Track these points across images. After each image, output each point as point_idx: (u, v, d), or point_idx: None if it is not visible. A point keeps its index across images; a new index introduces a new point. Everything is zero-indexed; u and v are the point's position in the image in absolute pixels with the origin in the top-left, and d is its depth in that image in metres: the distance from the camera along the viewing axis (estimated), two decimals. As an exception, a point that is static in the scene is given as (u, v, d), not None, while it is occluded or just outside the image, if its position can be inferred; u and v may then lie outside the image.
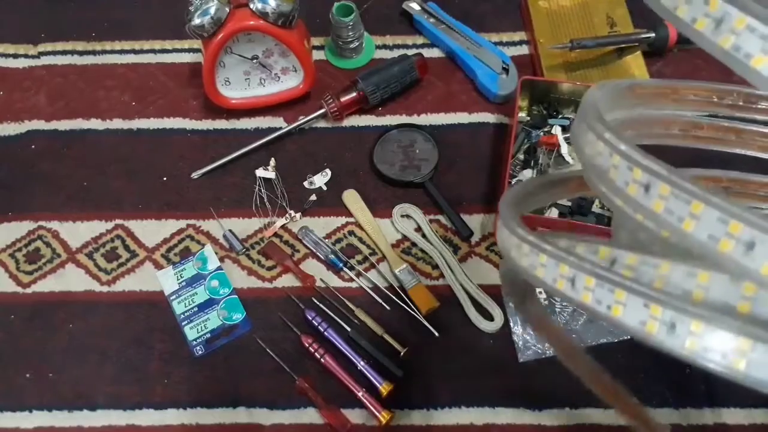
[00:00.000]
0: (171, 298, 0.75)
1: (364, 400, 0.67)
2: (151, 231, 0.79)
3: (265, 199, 0.80)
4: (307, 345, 0.70)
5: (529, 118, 0.81)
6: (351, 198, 0.79)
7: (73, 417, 0.70)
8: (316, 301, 0.74)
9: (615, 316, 0.36)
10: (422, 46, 0.91)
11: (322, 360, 0.69)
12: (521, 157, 0.78)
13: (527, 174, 0.77)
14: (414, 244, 0.77)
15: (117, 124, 0.86)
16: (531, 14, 0.88)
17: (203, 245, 0.78)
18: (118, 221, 0.80)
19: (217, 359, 0.71)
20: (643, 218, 0.38)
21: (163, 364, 0.71)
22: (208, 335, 0.72)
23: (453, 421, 0.68)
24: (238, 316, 0.73)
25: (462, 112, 0.85)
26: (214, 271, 0.76)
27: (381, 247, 0.76)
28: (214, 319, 0.73)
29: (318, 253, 0.76)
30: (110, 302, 0.75)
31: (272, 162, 0.81)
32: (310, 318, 0.72)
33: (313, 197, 0.80)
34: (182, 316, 0.74)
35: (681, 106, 0.54)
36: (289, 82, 0.84)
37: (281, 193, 0.80)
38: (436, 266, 0.75)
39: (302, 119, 0.83)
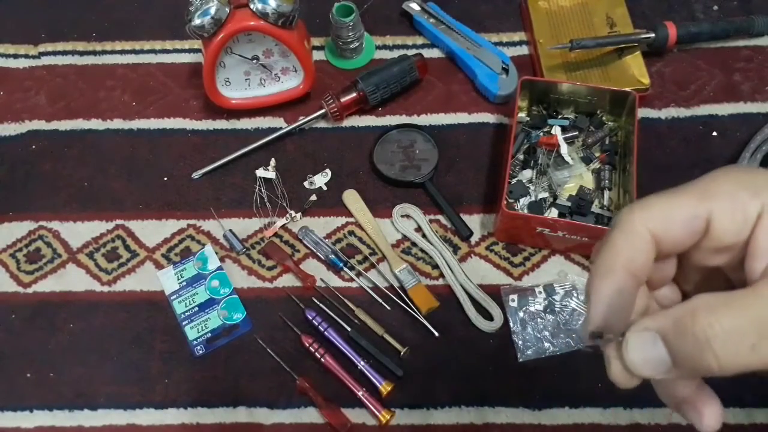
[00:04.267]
0: (171, 298, 0.75)
1: (364, 400, 0.67)
2: (152, 231, 0.79)
3: (265, 199, 0.80)
4: (307, 345, 0.70)
5: (528, 119, 0.81)
6: (351, 198, 0.79)
7: (74, 416, 0.70)
8: (316, 300, 0.74)
9: None
10: (422, 46, 0.91)
11: (322, 360, 0.69)
12: (521, 157, 0.78)
13: (527, 174, 0.77)
14: (414, 244, 0.77)
15: (117, 124, 0.86)
16: (531, 14, 0.88)
17: (203, 245, 0.78)
18: (119, 221, 0.80)
19: (218, 359, 0.72)
20: None
21: (163, 364, 0.71)
22: (209, 335, 0.73)
23: (453, 420, 0.68)
24: (239, 316, 0.73)
25: (462, 113, 0.85)
26: (215, 271, 0.76)
27: (381, 247, 0.76)
28: (214, 319, 0.73)
29: (318, 253, 0.76)
30: (111, 302, 0.75)
31: (272, 162, 0.82)
32: (310, 318, 0.72)
33: (313, 197, 0.80)
34: (183, 315, 0.74)
35: None
36: (289, 82, 0.84)
37: (281, 193, 0.80)
38: (436, 266, 0.75)
39: (302, 119, 0.83)
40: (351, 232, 0.78)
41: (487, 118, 0.85)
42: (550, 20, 0.88)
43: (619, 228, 0.30)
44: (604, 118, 0.80)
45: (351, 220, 0.79)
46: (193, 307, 0.74)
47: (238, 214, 0.80)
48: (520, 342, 0.70)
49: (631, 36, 0.84)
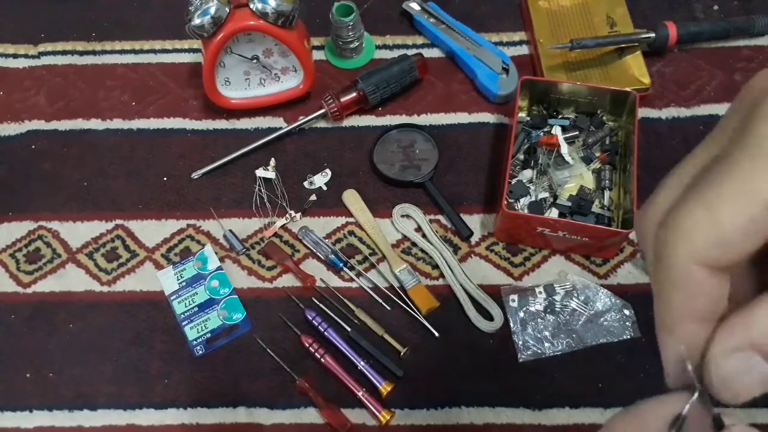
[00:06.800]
0: (171, 298, 0.75)
1: (364, 400, 0.67)
2: (152, 231, 0.79)
3: (265, 199, 0.80)
4: (307, 345, 0.70)
5: (529, 118, 0.81)
6: (351, 198, 0.79)
7: (74, 417, 0.70)
8: (316, 301, 0.74)
9: None
10: (422, 46, 0.91)
11: (322, 360, 0.69)
12: (521, 157, 0.78)
13: (527, 174, 0.77)
14: (414, 244, 0.77)
15: (117, 124, 0.86)
16: (531, 14, 0.88)
17: (203, 245, 0.78)
18: (119, 221, 0.80)
19: (217, 359, 0.71)
20: None
21: (163, 364, 0.71)
22: (208, 335, 0.72)
23: (453, 421, 0.68)
24: (239, 316, 0.73)
25: (462, 112, 0.85)
26: (215, 271, 0.76)
27: (381, 247, 0.76)
28: (214, 319, 0.73)
29: (318, 253, 0.76)
30: (110, 302, 0.75)
31: (272, 162, 0.81)
32: (310, 318, 0.72)
33: (313, 197, 0.80)
34: (182, 316, 0.74)
35: None
36: (289, 82, 0.84)
37: (281, 193, 0.80)
38: (436, 266, 0.75)
39: (302, 119, 0.83)
40: (351, 232, 0.78)
41: (487, 118, 0.85)
42: (550, 20, 0.88)
43: (668, 277, 0.23)
44: (604, 117, 0.80)
45: (351, 220, 0.79)
46: (192, 308, 0.74)
47: (237, 214, 0.80)
48: (520, 342, 0.70)
49: (632, 36, 0.84)
